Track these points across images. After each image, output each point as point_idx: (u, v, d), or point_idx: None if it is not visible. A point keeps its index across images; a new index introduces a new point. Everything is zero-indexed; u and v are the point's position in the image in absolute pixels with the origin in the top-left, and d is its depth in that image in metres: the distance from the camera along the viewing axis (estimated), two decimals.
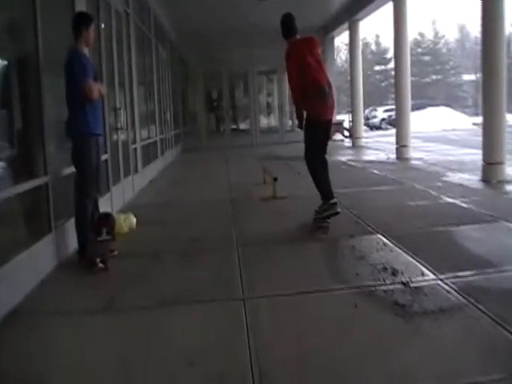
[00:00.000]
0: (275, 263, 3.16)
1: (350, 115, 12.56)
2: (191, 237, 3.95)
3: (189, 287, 2.81)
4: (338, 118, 14.94)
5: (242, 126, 14.89)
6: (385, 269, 2.90)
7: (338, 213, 3.96)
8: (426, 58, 43.37)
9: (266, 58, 12.50)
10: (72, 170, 3.43)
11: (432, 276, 2.75)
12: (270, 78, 14.89)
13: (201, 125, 14.01)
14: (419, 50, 43.32)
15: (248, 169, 8.30)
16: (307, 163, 3.98)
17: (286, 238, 3.75)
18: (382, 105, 27.93)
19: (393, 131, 9.63)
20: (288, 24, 3.98)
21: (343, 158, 9.12)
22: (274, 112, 14.99)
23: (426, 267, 2.89)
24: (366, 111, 24.30)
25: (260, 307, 2.48)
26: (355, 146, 11.47)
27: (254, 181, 6.56)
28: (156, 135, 8.83)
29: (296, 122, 4.09)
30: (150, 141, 8.11)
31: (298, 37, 3.96)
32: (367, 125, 22.34)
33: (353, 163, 8.32)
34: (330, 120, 3.98)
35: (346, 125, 14.63)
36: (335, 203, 3.95)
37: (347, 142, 12.91)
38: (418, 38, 44.89)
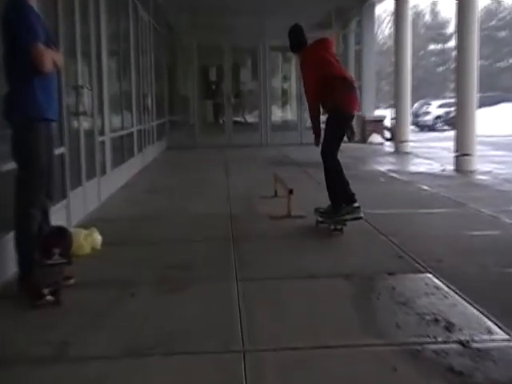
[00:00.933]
0: (287, 305, 3.16)
1: (393, 110, 12.58)
2: (175, 263, 3.97)
3: (169, 331, 2.81)
4: (377, 113, 14.98)
5: (249, 118, 15.07)
6: (436, 321, 2.89)
7: (361, 218, 4.68)
8: (502, 33, 42.15)
9: (283, 29, 12.68)
10: (13, 166, 3.39)
11: (503, 335, 2.73)
12: (287, 56, 15.02)
13: (193, 114, 14.17)
14: (492, 22, 42.33)
15: (255, 176, 8.34)
16: (326, 161, 4.73)
17: (303, 271, 3.77)
18: (437, 98, 28.03)
19: (451, 134, 9.65)
20: (298, 36, 4.91)
21: (382, 168, 9.16)
22: (291, 102, 15.12)
23: (493, 322, 2.87)
24: (416, 106, 24.41)
25: (265, 363, 2.48)
26: (399, 151, 11.56)
27: (263, 193, 6.62)
28: (132, 125, 8.93)
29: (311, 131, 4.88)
30: (123, 132, 8.20)
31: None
32: (416, 124, 22.45)
33: (395, 175, 8.36)
34: (353, 117, 4.85)
35: (388, 123, 14.66)
36: (359, 207, 4.67)
37: (388, 147, 12.96)
38: (492, 5, 44.02)
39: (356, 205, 4.69)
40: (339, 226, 4.70)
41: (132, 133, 8.87)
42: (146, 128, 10.15)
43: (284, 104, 15.56)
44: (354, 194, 4.72)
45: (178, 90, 14.62)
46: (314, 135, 4.89)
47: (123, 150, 8.12)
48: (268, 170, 7.79)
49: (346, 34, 14.51)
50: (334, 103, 4.69)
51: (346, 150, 11.78)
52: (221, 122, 14.74)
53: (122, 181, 7.68)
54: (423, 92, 33.34)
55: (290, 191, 5.36)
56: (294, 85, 14.89)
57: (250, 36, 13.65)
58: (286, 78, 15.45)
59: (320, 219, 4.85)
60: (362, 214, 4.70)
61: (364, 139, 13.64)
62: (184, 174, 9.07)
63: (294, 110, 14.66)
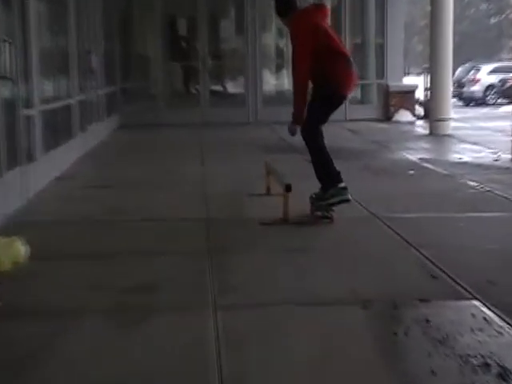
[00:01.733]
0: (286, 341, 3.17)
1: (428, 78, 12.61)
2: (132, 284, 3.97)
3: (123, 380, 2.79)
4: (406, 81, 14.96)
5: (231, 87, 15.02)
6: (486, 366, 2.89)
7: (348, 200, 5.37)
8: None
9: None
10: None
11: None
12: None
13: (155, 81, 14.06)
14: None
15: (240, 167, 8.34)
16: (310, 140, 5.44)
17: (306, 296, 3.79)
18: (489, 60, 28.03)
19: (508, 110, 9.63)
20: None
21: (412, 156, 9.23)
22: (289, 66, 15.05)
23: None
24: (459, 71, 24.51)
25: None
26: (435, 133, 11.63)
27: (251, 189, 6.67)
28: (71, 95, 8.85)
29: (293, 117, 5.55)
30: (58, 104, 8.13)
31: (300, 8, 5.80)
32: (460, 96, 22.55)
33: (429, 165, 8.43)
34: (345, 97, 5.70)
35: (420, 95, 14.73)
36: (346, 188, 5.36)
37: (421, 127, 13.05)
38: None
39: (342, 185, 5.37)
40: (328, 214, 5.39)
41: (70, 105, 8.78)
42: (90, 99, 10.04)
43: (279, 68, 15.47)
44: (339, 173, 5.42)
45: (136, 48, 14.55)
46: (293, 118, 5.47)
47: (58, 128, 8.03)
48: (258, 159, 7.80)
49: None
50: (331, 80, 5.38)
51: (365, 132, 11.97)
52: (193, 91, 14.71)
53: (57, 171, 7.62)
54: (470, 53, 33.41)
55: (288, 188, 5.37)
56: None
57: None
58: (282, 34, 15.33)
59: (314, 207, 5.48)
60: (349, 196, 5.38)
61: (388, 117, 13.73)
62: (143, 162, 9.05)
63: None
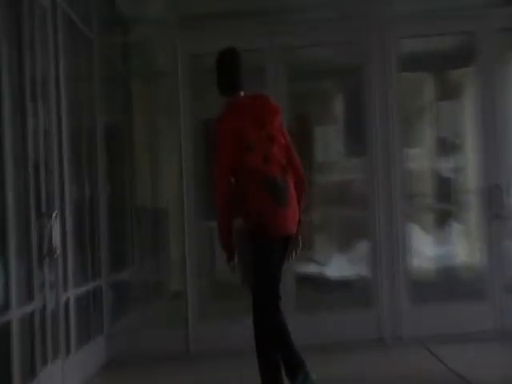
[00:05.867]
0: None
1: None
2: None
3: None
4: None
5: (337, 266, 13.93)
6: None
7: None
8: None
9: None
10: None
11: None
12: (455, 81, 14.51)
13: (181, 266, 12.64)
14: None
15: None
16: (260, 327, 7.06)
17: None
18: None
19: None
20: (237, 72, 7.51)
21: None
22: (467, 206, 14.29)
23: None
24: None
25: None
26: None
27: None
28: (8, 305, 7.74)
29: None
30: None
31: (242, 94, 7.48)
32: None
33: None
34: (291, 235, 7.32)
35: None
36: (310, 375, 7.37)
37: None
38: None
39: (312, 376, 7.09)
40: None
41: (8, 324, 7.58)
42: (45, 309, 8.76)
43: (443, 219, 14.02)
44: (301, 357, 7.09)
45: (136, 196, 13.22)
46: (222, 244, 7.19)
47: None
48: None
49: None
50: (246, 218, 7.03)
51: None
52: None
53: None
54: None
55: None
56: (466, 159, 13.33)
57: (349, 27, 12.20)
58: (456, 138, 13.90)
59: None
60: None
61: None
62: None
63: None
